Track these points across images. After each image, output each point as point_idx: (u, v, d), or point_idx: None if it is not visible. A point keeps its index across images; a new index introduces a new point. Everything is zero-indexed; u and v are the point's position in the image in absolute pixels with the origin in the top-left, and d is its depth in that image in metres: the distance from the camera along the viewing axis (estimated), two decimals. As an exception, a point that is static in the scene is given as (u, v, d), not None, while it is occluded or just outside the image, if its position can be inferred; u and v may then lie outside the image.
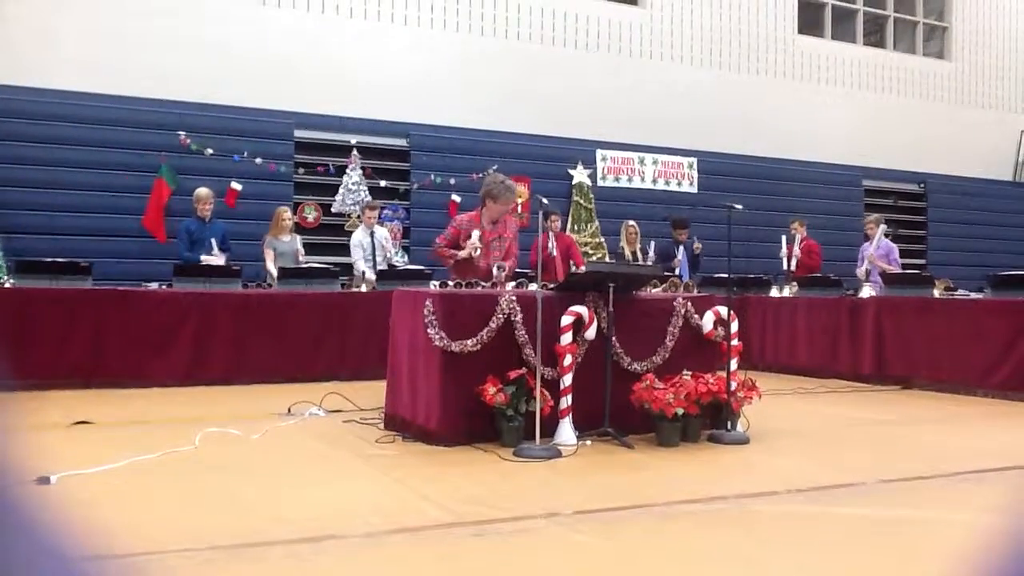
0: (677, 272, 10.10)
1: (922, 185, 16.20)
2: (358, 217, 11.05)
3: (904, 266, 12.29)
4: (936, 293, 8.43)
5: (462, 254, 6.08)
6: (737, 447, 5.05)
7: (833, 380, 8.47)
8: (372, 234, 9.37)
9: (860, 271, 9.93)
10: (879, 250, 9.80)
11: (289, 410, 5.98)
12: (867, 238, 10.06)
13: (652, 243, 10.45)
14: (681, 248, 10.63)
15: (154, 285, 7.96)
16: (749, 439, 5.18)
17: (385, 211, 11.38)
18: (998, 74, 17.44)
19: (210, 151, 10.72)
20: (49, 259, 7.54)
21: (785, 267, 10.56)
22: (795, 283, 9.95)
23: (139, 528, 3.15)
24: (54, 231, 9.85)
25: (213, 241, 8.50)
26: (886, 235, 10.17)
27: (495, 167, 12.10)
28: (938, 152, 16.19)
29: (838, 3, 16.03)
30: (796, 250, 10.60)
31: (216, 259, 8.39)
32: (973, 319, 7.61)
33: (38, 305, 7.03)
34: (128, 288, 7.73)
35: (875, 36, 16.73)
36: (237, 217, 10.15)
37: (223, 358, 7.60)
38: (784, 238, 10.77)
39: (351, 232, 10.85)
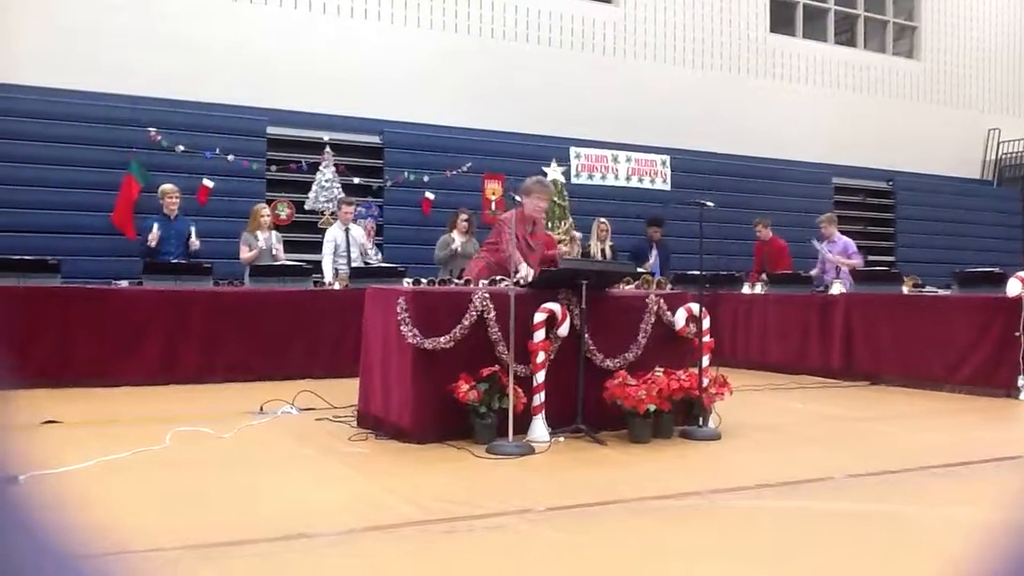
0: (651, 263, 10.16)
1: (891, 183, 16.38)
2: (332, 214, 10.98)
3: (873, 263, 12.42)
4: (904, 290, 8.52)
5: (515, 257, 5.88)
6: (709, 443, 5.09)
7: (803, 376, 8.54)
8: (347, 231, 9.31)
9: (816, 272, 9.96)
10: (837, 245, 9.90)
11: (261, 408, 5.94)
12: (822, 238, 10.08)
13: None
14: (655, 247, 10.67)
15: (123, 283, 7.86)
16: (720, 435, 5.22)
17: (359, 208, 11.33)
18: (966, 73, 17.67)
19: (181, 147, 10.62)
20: (16, 257, 7.39)
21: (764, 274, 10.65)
22: (766, 280, 10.02)
23: (108, 528, 3.12)
24: (21, 228, 9.69)
25: (192, 230, 8.50)
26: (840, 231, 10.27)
27: (468, 164, 12.12)
28: (907, 150, 16.38)
29: (809, 2, 16.17)
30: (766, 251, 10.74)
31: (194, 245, 8.47)
32: (940, 315, 7.71)
33: (5, 303, 6.92)
34: (97, 286, 7.64)
35: (846, 35, 16.90)
36: (208, 214, 10.05)
37: (195, 356, 7.51)
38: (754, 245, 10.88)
39: (324, 229, 10.76)
